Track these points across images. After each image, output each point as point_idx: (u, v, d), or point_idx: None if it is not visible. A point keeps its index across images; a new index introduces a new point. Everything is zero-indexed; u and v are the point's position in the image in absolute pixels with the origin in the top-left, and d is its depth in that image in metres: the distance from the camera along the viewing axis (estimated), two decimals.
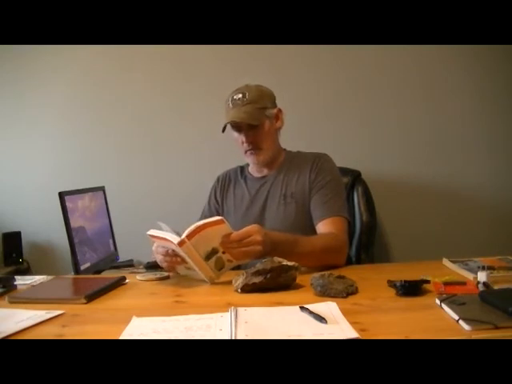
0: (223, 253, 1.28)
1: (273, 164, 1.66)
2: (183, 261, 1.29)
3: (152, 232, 1.29)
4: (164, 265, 1.33)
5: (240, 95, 1.56)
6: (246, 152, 1.61)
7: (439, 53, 2.19)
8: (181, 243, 1.22)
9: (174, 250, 1.28)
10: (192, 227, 1.24)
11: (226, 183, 1.73)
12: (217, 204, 1.72)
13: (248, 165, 1.74)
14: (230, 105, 1.57)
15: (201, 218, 1.70)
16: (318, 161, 1.61)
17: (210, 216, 1.65)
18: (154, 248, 1.34)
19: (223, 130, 1.60)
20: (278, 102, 1.69)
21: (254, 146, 1.58)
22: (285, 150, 1.72)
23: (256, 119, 1.56)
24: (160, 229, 1.30)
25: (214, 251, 1.27)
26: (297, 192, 1.58)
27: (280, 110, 1.66)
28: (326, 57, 2.26)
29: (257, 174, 1.68)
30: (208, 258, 1.27)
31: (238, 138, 1.61)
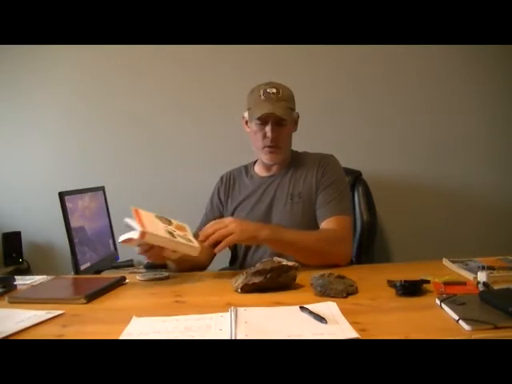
0: (174, 230, 1.32)
1: (281, 163, 1.66)
2: (162, 248, 1.29)
3: (121, 238, 1.30)
4: (152, 259, 1.35)
5: (274, 90, 1.55)
6: (263, 148, 1.58)
7: (439, 53, 2.19)
8: (142, 235, 1.23)
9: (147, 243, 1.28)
10: (133, 220, 1.27)
11: (230, 183, 1.72)
12: (220, 204, 1.71)
13: (254, 163, 1.73)
14: (263, 97, 1.54)
15: (203, 218, 1.69)
16: (324, 161, 1.62)
17: (213, 216, 1.66)
18: (138, 252, 1.35)
19: (255, 119, 1.55)
20: None
21: (276, 144, 1.57)
22: (291, 150, 1.72)
23: (288, 117, 1.56)
24: (128, 226, 1.29)
25: (170, 232, 1.30)
26: (304, 192, 1.58)
27: (298, 115, 1.66)
28: (326, 57, 2.26)
29: (264, 173, 1.67)
30: (172, 235, 1.29)
31: (258, 131, 1.57)
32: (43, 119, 2.41)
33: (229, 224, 1.33)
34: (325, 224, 1.51)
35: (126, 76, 2.36)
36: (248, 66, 2.27)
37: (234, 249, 1.67)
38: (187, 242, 1.31)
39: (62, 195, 1.57)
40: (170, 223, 1.36)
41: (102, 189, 1.96)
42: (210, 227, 1.34)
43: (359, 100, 2.27)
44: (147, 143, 2.37)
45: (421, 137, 2.26)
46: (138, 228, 1.23)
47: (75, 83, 2.38)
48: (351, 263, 1.48)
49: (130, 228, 1.28)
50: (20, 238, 2.37)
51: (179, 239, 1.30)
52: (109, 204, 1.98)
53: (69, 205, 1.58)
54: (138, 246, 1.30)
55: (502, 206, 2.24)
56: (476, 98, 2.22)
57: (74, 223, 1.59)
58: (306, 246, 1.39)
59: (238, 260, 1.65)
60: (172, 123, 2.36)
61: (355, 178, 2.04)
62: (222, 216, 1.66)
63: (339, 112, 2.28)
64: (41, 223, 2.37)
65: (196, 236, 1.44)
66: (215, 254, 1.59)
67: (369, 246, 1.94)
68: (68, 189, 1.66)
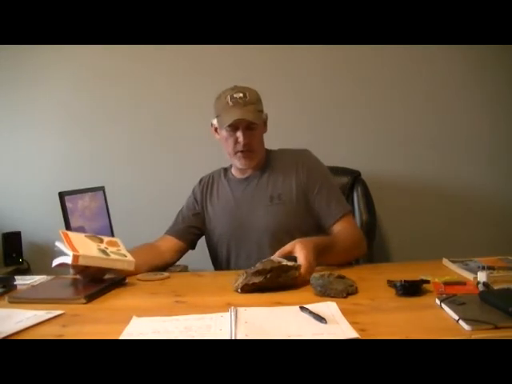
0: (106, 248, 1.33)
1: (255, 165, 1.63)
2: (98, 267, 1.29)
3: (54, 263, 1.31)
4: (88, 279, 1.31)
5: (241, 94, 1.54)
6: (236, 153, 1.57)
7: (440, 52, 2.19)
8: (75, 259, 1.23)
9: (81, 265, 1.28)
10: (63, 243, 1.27)
11: (208, 186, 1.70)
12: (196, 203, 1.68)
13: (231, 166, 1.71)
14: (230, 103, 1.53)
15: (178, 214, 1.69)
16: (302, 161, 1.61)
17: (187, 212, 1.67)
18: (72, 274, 1.34)
19: (226, 126, 1.53)
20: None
21: (249, 148, 1.56)
22: (265, 149, 1.69)
23: (258, 120, 1.56)
24: (60, 250, 1.29)
25: (102, 250, 1.31)
26: (284, 193, 1.57)
27: (267, 116, 1.65)
28: (326, 56, 2.26)
29: (240, 176, 1.66)
30: (105, 253, 1.29)
31: (229, 137, 1.56)
32: (43, 119, 2.41)
33: (308, 253, 1.28)
34: (337, 226, 1.53)
35: (127, 76, 2.36)
36: (249, 66, 2.27)
37: (214, 254, 1.66)
38: (121, 257, 1.32)
39: (62, 195, 1.57)
40: (101, 241, 1.37)
41: (102, 189, 1.96)
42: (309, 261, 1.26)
43: (359, 100, 2.27)
44: (147, 143, 2.38)
45: (420, 137, 2.26)
46: (70, 253, 1.23)
47: (75, 83, 2.38)
48: (351, 263, 1.49)
49: (62, 252, 1.28)
50: (20, 238, 2.37)
51: (113, 256, 1.30)
52: (109, 204, 1.98)
53: (69, 205, 1.58)
54: (72, 268, 1.30)
55: (503, 206, 2.24)
56: (477, 98, 2.22)
57: (73, 223, 1.59)
58: (343, 250, 1.43)
59: (221, 266, 1.63)
60: (173, 123, 2.36)
61: (354, 178, 2.03)
62: (197, 214, 1.66)
63: (339, 112, 2.28)
64: (41, 223, 2.37)
65: (174, 232, 1.58)
66: (186, 251, 1.63)
67: (368, 246, 1.93)
68: (68, 189, 1.66)
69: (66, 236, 1.31)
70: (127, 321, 0.96)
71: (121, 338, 0.87)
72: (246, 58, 2.27)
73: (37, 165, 2.42)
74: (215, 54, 2.26)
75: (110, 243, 1.38)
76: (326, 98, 2.28)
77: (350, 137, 2.28)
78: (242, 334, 0.85)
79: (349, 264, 1.44)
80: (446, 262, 1.38)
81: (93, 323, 1.01)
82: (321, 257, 1.30)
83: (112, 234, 1.97)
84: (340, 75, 2.28)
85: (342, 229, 1.51)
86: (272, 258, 1.25)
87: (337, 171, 1.72)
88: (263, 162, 1.64)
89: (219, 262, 1.64)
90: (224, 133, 1.58)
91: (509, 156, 2.24)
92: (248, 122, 1.53)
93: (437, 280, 1.13)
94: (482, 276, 1.09)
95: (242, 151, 1.56)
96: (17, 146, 2.43)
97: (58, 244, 1.29)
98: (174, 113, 2.36)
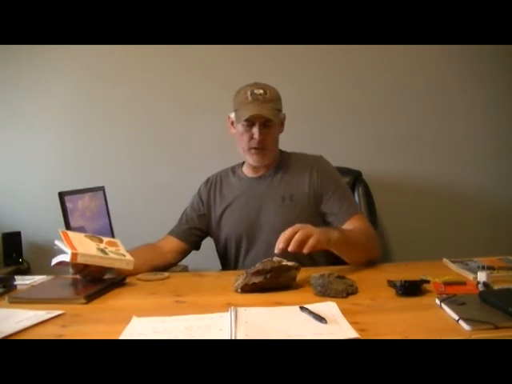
0: (105, 247, 1.34)
1: (269, 164, 1.64)
2: (97, 265, 1.30)
3: (53, 262, 1.32)
4: (88, 278, 1.32)
5: (261, 91, 1.54)
6: (250, 149, 1.57)
7: (441, 53, 2.19)
8: (74, 257, 1.23)
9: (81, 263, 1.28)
10: (62, 242, 1.28)
11: (217, 185, 1.69)
12: (201, 203, 1.68)
13: (242, 164, 1.71)
14: (250, 98, 1.53)
15: (182, 216, 1.69)
16: (318, 165, 1.62)
17: (191, 213, 1.67)
18: (72, 273, 1.34)
19: (243, 120, 1.54)
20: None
21: (263, 145, 1.56)
22: (280, 150, 1.70)
23: (275, 118, 1.56)
24: (59, 249, 1.30)
25: (101, 249, 1.31)
26: (296, 194, 1.57)
27: (285, 116, 1.65)
28: (327, 56, 2.26)
29: (252, 174, 1.66)
30: (104, 252, 1.30)
31: (245, 132, 1.56)
32: (43, 119, 2.41)
33: (303, 227, 1.26)
34: (347, 225, 1.51)
35: (127, 76, 2.36)
36: (249, 66, 2.26)
37: (223, 253, 1.66)
38: (120, 256, 1.33)
39: (61, 195, 1.57)
40: (100, 241, 1.38)
41: (102, 189, 1.96)
42: (291, 230, 1.24)
43: (359, 100, 2.27)
44: (148, 143, 2.37)
45: (421, 137, 2.26)
46: (68, 251, 1.24)
47: (76, 83, 2.38)
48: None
49: (62, 251, 1.29)
50: (20, 238, 2.37)
51: (111, 255, 1.31)
52: (109, 204, 1.98)
53: (69, 205, 1.58)
54: (72, 267, 1.30)
55: (503, 206, 2.24)
56: (477, 97, 2.22)
57: (74, 223, 1.59)
58: (362, 244, 1.41)
59: (230, 265, 1.63)
60: (173, 123, 2.36)
61: (355, 178, 2.03)
62: (202, 215, 1.66)
63: (339, 112, 2.28)
64: (41, 223, 2.37)
65: (176, 233, 1.59)
66: (189, 252, 1.63)
67: None
68: (68, 189, 1.65)
69: (66, 235, 1.31)
70: (127, 321, 0.96)
71: (121, 338, 0.87)
72: (246, 59, 2.27)
73: (37, 165, 2.42)
74: (215, 53, 2.26)
75: (110, 243, 1.39)
76: (326, 98, 2.28)
77: (351, 137, 2.28)
78: (242, 334, 0.85)
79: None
80: (446, 261, 1.38)
81: (93, 323, 1.01)
82: (347, 245, 1.32)
83: (112, 234, 1.97)
84: (341, 76, 2.27)
85: (355, 227, 1.49)
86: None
87: (338, 171, 1.72)
88: (276, 162, 1.65)
89: (228, 261, 1.64)
90: (240, 127, 1.58)
91: (509, 156, 2.24)
92: (265, 119, 1.53)
93: (437, 280, 1.13)
94: (481, 276, 1.09)
95: (255, 148, 1.57)
96: (17, 146, 2.42)
97: (57, 243, 1.30)
98: (174, 113, 2.36)
